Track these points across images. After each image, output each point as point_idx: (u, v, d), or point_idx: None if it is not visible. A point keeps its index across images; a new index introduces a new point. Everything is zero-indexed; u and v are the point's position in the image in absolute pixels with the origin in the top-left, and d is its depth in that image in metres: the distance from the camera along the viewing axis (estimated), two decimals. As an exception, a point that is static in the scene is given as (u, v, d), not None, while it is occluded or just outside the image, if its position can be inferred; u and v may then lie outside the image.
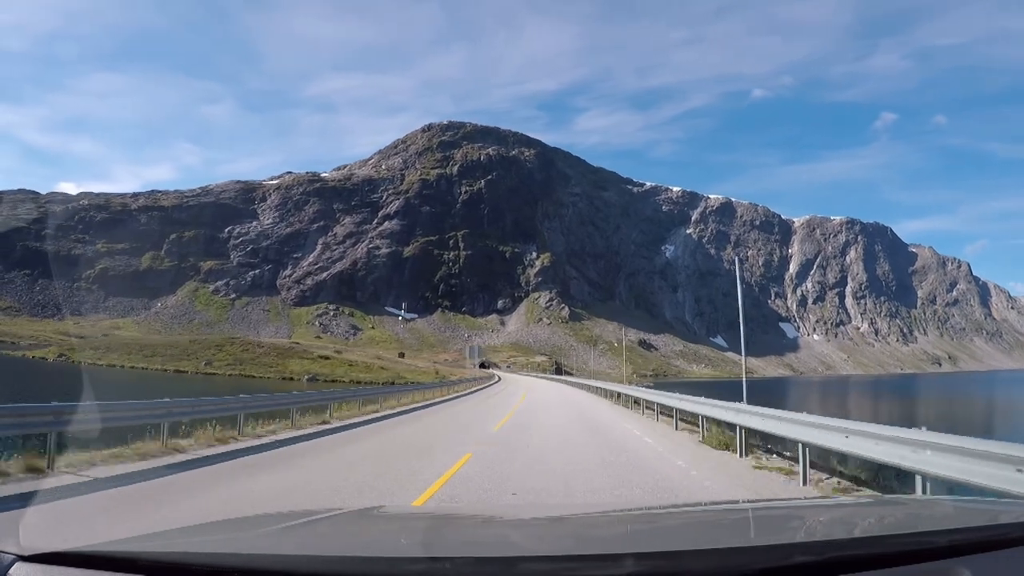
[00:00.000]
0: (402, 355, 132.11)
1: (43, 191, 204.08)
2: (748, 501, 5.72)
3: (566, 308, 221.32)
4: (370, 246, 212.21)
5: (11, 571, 1.47)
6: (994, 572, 1.55)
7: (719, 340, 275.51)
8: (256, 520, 2.80)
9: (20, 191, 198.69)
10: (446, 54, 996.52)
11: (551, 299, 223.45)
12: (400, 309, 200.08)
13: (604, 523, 2.65)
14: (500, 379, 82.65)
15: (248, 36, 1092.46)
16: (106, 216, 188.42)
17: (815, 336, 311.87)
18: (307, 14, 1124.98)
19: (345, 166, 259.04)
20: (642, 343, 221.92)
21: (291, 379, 74.37)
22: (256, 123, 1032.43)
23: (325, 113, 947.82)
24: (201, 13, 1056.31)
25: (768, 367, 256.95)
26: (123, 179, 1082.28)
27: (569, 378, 72.40)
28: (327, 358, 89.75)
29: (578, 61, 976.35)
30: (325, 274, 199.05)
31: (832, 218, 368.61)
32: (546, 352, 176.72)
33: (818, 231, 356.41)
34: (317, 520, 2.42)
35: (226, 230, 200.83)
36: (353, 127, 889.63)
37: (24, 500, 7.04)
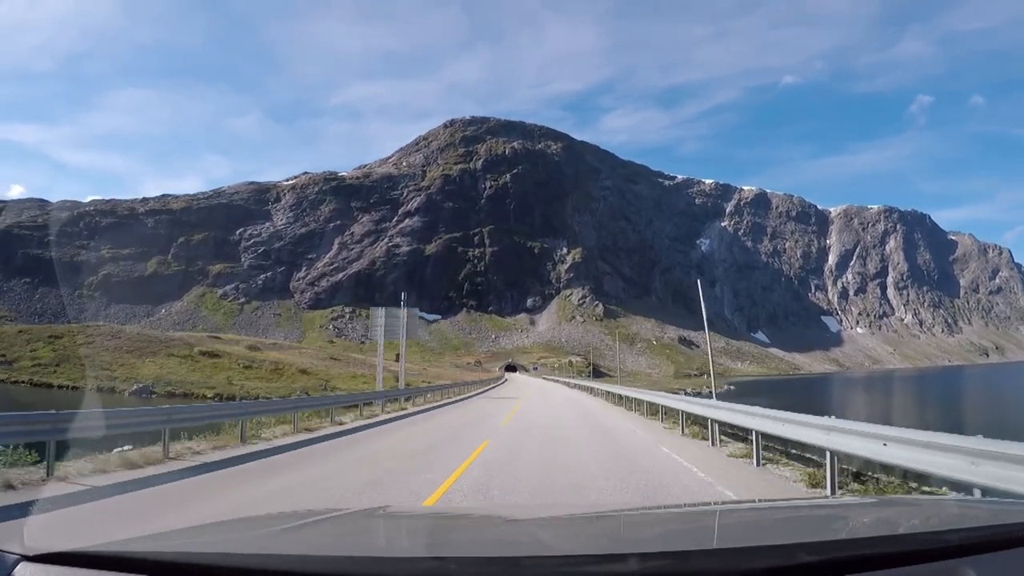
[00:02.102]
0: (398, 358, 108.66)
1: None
2: (752, 501, 5.76)
3: (600, 305, 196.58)
4: (390, 244, 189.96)
5: (15, 571, 1.42)
6: (998, 572, 1.49)
7: (760, 336, 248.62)
8: (261, 520, 2.65)
9: (29, 199, 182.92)
10: (469, 57, 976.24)
11: (584, 296, 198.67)
12: (423, 310, 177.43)
13: (609, 523, 2.51)
14: (500, 383, 59.17)
15: (272, 47, 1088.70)
16: (112, 221, 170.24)
17: (858, 329, 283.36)
18: (329, 23, 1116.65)
19: (365, 165, 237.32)
20: (682, 340, 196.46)
21: (113, 391, 47.57)
22: (282, 133, 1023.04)
23: (351, 121, 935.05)
24: (226, 26, 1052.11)
25: (814, 363, 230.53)
26: (151, 193, 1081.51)
27: (602, 384, 44.15)
28: (215, 356, 59.35)
29: (601, 60, 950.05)
30: (341, 275, 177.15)
31: (869, 207, 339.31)
32: (580, 352, 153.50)
33: (855, 220, 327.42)
34: (321, 520, 2.32)
35: (237, 232, 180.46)
36: (379, 134, 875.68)
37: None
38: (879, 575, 1.42)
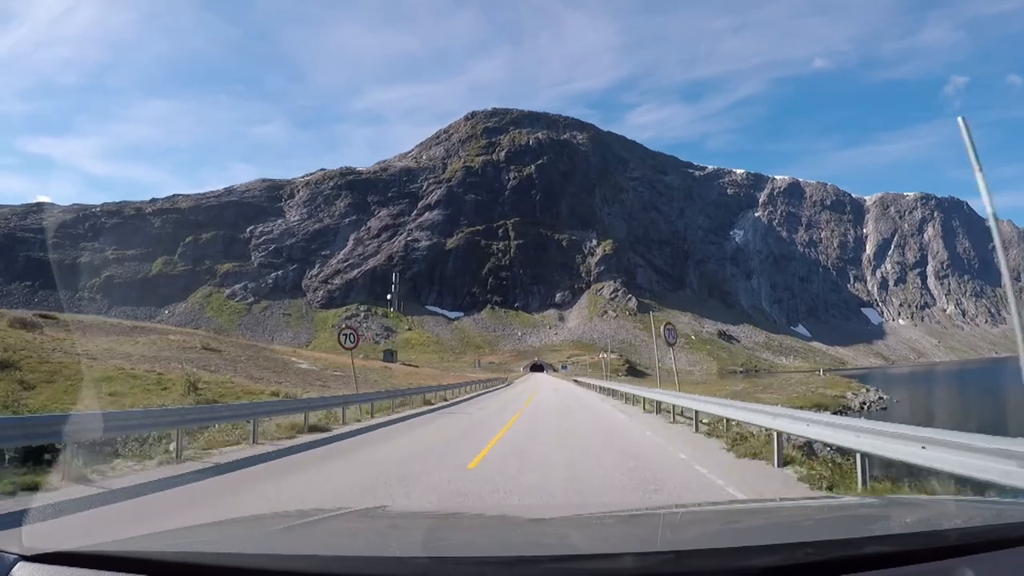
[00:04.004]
0: (391, 355, 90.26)
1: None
2: (750, 500, 5.72)
3: (633, 299, 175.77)
4: (408, 239, 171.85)
5: (13, 571, 1.36)
6: (996, 572, 1.43)
7: (801, 329, 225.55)
8: (260, 520, 2.58)
9: (36, 204, 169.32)
10: (491, 59, 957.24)
11: (616, 289, 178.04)
12: (444, 308, 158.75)
13: (605, 523, 2.46)
14: (488, 390, 43.37)
15: (294, 55, 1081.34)
16: (118, 221, 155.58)
17: (900, 321, 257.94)
18: (350, 29, 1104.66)
19: (384, 161, 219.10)
20: (722, 335, 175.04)
21: None
22: (306, 139, 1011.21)
23: (374, 125, 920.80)
24: (248, 35, 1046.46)
25: (858, 357, 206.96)
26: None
27: (645, 389, 21.28)
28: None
29: (623, 57, 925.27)
30: (356, 272, 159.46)
31: (905, 194, 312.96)
32: (614, 348, 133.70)
33: (892, 208, 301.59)
34: (320, 520, 2.25)
35: (248, 230, 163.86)
36: (402, 137, 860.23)
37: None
38: (877, 575, 1.37)
